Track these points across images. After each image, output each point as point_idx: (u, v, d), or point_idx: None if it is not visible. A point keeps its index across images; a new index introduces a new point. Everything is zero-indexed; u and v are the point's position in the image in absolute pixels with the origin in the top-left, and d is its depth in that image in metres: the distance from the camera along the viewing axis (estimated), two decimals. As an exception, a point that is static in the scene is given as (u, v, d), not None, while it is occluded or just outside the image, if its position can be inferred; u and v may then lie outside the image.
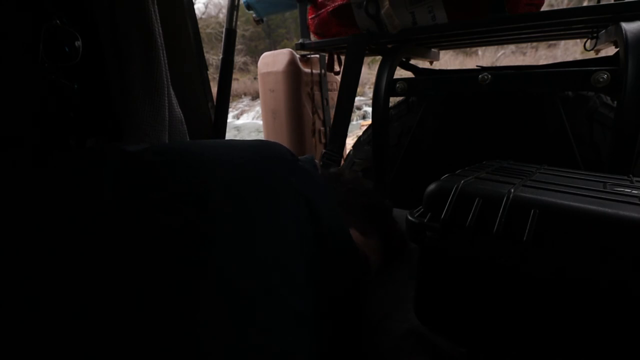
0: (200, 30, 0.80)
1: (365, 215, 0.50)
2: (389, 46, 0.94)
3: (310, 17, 1.01)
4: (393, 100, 0.93)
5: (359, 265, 0.42)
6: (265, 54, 1.72)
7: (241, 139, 0.48)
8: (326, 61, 1.28)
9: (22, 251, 0.27)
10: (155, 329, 0.25)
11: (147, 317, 0.25)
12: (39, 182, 0.32)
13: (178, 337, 0.24)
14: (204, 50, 0.80)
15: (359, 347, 0.40)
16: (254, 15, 1.26)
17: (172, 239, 0.28)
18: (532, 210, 0.29)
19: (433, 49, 1.16)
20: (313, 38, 1.07)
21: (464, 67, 1.14)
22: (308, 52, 1.45)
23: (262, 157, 0.38)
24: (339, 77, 1.28)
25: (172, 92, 0.62)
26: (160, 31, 0.57)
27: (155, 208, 0.30)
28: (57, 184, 0.31)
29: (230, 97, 0.93)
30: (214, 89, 0.85)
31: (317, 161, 0.50)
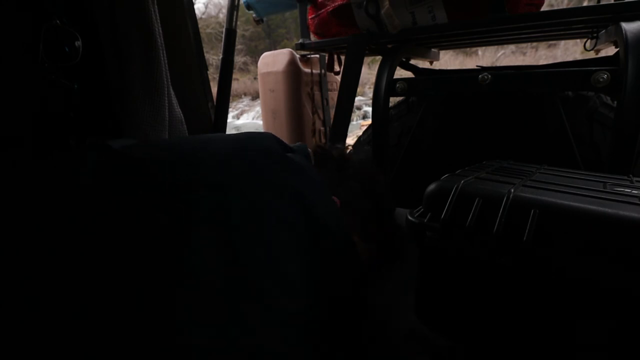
0: (200, 30, 0.80)
1: (367, 218, 0.49)
2: (389, 46, 0.94)
3: (310, 17, 1.01)
4: (393, 100, 0.93)
5: (358, 266, 0.42)
6: (265, 54, 1.72)
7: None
8: (326, 61, 1.28)
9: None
10: (138, 329, 0.24)
11: (128, 319, 0.24)
12: (18, 181, 0.31)
13: (161, 336, 0.24)
14: (204, 50, 0.80)
15: (359, 347, 0.40)
16: (254, 15, 1.26)
17: (155, 238, 0.28)
18: (532, 210, 0.29)
19: (433, 49, 1.16)
20: (313, 38, 1.07)
21: (464, 67, 1.14)
22: (308, 52, 1.45)
23: (250, 150, 0.37)
24: (339, 77, 1.28)
25: (172, 92, 0.62)
26: (160, 31, 0.57)
27: (137, 206, 0.29)
28: (37, 183, 0.31)
29: (230, 97, 0.93)
30: (214, 89, 0.85)
31: (309, 150, 0.49)
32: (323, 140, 1.70)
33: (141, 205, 0.29)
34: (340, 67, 1.18)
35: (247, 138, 0.40)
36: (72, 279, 0.25)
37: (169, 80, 0.60)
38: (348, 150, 0.56)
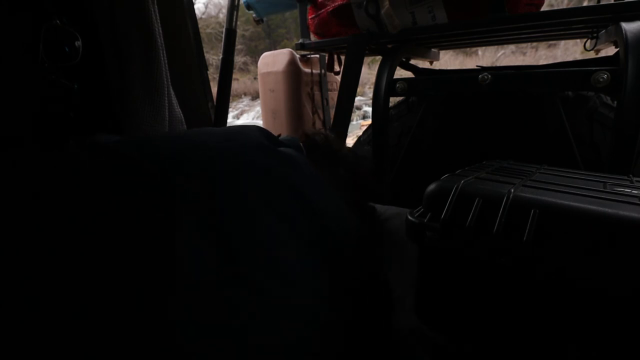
0: (200, 30, 0.80)
1: (355, 205, 0.50)
2: (389, 46, 0.94)
3: (310, 17, 1.01)
4: (393, 100, 0.93)
5: (362, 268, 0.41)
6: (265, 54, 1.72)
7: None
8: (326, 61, 1.28)
9: None
10: (137, 330, 0.24)
11: (126, 320, 0.24)
12: (7, 181, 0.31)
13: (160, 337, 0.24)
14: (204, 50, 0.80)
15: (363, 345, 0.40)
16: (254, 15, 1.26)
17: (152, 238, 0.27)
18: (532, 210, 0.29)
19: (433, 49, 1.16)
20: (313, 38, 1.07)
21: (464, 67, 1.14)
22: (308, 52, 1.45)
23: (249, 148, 0.37)
24: (339, 77, 1.29)
25: (172, 92, 0.62)
26: (160, 31, 0.57)
27: (130, 204, 0.29)
28: (18, 180, 0.30)
29: (230, 97, 0.93)
30: (214, 89, 0.85)
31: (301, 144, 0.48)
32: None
33: (135, 203, 0.29)
34: (340, 67, 1.18)
35: (235, 131, 0.39)
36: (68, 282, 0.25)
37: (169, 80, 0.60)
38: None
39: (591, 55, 0.89)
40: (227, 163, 0.34)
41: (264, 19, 1.28)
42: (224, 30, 0.90)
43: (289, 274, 0.30)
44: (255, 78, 1.90)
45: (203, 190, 0.31)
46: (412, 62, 1.10)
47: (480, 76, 0.74)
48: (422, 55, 1.11)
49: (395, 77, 0.87)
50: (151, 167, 0.32)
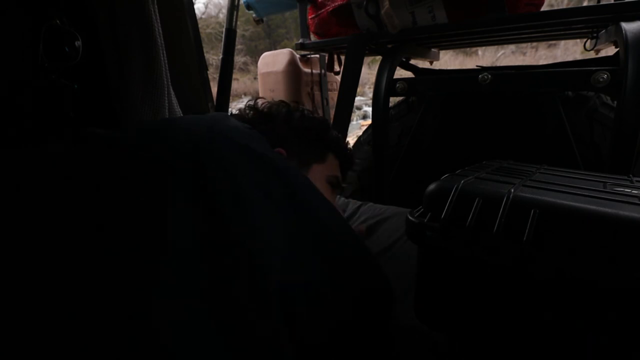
0: (200, 30, 0.80)
1: (320, 145, 0.53)
2: (389, 46, 0.94)
3: (310, 17, 1.01)
4: (393, 100, 0.93)
5: (366, 280, 0.40)
6: (265, 54, 1.72)
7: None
8: (326, 61, 1.28)
9: None
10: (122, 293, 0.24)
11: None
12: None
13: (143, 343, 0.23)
14: (204, 50, 0.80)
15: (365, 344, 0.40)
16: (254, 15, 1.26)
17: (137, 213, 0.28)
18: (532, 210, 0.29)
19: (433, 49, 1.16)
20: (313, 38, 1.07)
21: (464, 67, 1.14)
22: (308, 52, 1.45)
23: (227, 128, 0.37)
24: (339, 77, 1.29)
25: (172, 92, 0.62)
26: (160, 31, 0.57)
27: (115, 182, 0.29)
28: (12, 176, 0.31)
29: (230, 97, 0.93)
30: (214, 89, 0.85)
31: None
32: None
33: (128, 180, 0.29)
34: (340, 67, 1.18)
35: (214, 117, 0.40)
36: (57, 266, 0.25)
37: (169, 80, 0.60)
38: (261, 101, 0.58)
39: (591, 55, 0.89)
40: (214, 144, 0.34)
41: (264, 19, 1.28)
42: (224, 30, 0.90)
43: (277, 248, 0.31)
44: (255, 78, 1.90)
45: (193, 168, 0.31)
46: (412, 62, 1.10)
47: (480, 76, 0.74)
48: (422, 55, 1.11)
49: (395, 77, 0.87)
50: (141, 147, 0.32)
